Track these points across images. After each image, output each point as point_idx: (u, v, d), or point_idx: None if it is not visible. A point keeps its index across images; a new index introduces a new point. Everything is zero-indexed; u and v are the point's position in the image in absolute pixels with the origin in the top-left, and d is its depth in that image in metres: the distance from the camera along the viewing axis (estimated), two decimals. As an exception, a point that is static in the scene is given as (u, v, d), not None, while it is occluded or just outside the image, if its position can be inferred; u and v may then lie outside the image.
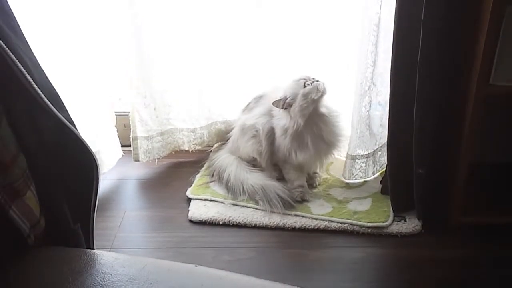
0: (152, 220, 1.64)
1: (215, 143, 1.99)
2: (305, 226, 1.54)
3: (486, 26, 1.23)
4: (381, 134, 1.67)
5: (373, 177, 1.75)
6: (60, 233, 0.86)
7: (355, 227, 1.53)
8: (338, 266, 1.41)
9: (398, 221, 1.55)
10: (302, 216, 1.58)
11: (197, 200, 1.68)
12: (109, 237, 1.53)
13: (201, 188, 1.74)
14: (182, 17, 1.71)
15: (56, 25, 1.56)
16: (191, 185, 1.76)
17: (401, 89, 1.42)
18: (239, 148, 1.77)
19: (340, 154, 1.80)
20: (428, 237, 1.50)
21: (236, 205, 1.64)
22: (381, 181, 1.69)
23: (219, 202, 1.66)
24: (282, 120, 1.62)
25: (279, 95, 1.60)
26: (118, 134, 1.87)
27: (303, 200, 1.65)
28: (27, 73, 0.71)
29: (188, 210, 1.63)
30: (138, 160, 1.87)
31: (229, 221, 1.57)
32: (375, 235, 1.51)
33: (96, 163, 0.85)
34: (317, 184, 1.75)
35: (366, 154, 1.69)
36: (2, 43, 0.68)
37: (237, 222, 1.57)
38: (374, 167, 1.73)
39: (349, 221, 1.54)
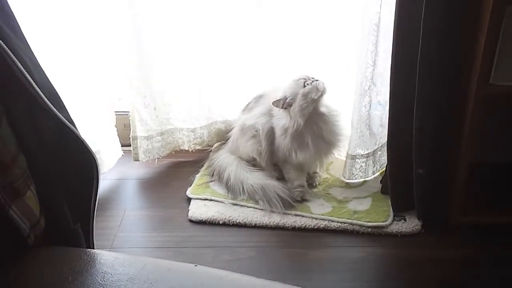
0: (152, 220, 1.64)
1: (215, 143, 1.99)
2: (305, 225, 1.54)
3: (486, 26, 1.23)
4: (381, 134, 1.67)
5: (373, 176, 1.75)
6: (60, 233, 0.86)
7: (355, 226, 1.53)
8: (338, 265, 1.41)
9: (398, 220, 1.55)
10: (302, 216, 1.58)
11: (197, 200, 1.68)
12: (109, 237, 1.53)
13: (201, 188, 1.74)
14: (182, 17, 1.71)
15: (56, 25, 1.56)
16: (191, 185, 1.77)
17: (401, 89, 1.42)
18: (239, 148, 1.77)
19: (340, 154, 1.80)
20: (428, 237, 1.50)
21: (236, 204, 1.65)
22: (381, 181, 1.69)
23: (219, 201, 1.66)
24: (282, 120, 1.62)
25: (279, 95, 1.60)
26: (118, 134, 1.87)
27: (303, 200, 1.65)
28: (27, 73, 0.72)
29: (188, 210, 1.63)
30: (138, 160, 1.87)
31: (229, 221, 1.57)
32: (375, 235, 1.51)
33: (96, 163, 0.85)
34: (317, 183, 1.75)
35: (366, 154, 1.69)
36: (2, 43, 0.68)
37: (237, 221, 1.57)
38: (374, 166, 1.73)
39: (349, 220, 1.54)
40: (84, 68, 1.66)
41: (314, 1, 1.70)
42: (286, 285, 0.73)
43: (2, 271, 0.75)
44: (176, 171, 1.92)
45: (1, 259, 0.76)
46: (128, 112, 1.84)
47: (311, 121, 1.58)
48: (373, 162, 1.72)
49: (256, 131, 1.70)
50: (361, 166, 1.70)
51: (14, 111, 0.75)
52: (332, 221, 1.55)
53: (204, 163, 1.88)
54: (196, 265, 0.79)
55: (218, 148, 1.91)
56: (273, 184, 1.66)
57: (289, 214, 1.59)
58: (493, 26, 1.23)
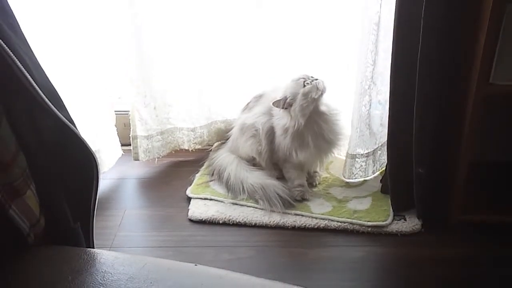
0: (152, 219, 1.64)
1: (215, 142, 1.99)
2: (305, 225, 1.55)
3: (486, 25, 1.23)
4: (381, 133, 1.67)
5: (373, 176, 1.75)
6: (60, 232, 0.86)
7: (355, 226, 1.53)
8: (338, 265, 1.41)
9: (398, 220, 1.55)
10: (302, 215, 1.58)
11: (197, 199, 1.68)
12: (109, 236, 1.53)
13: (201, 187, 1.74)
14: (182, 17, 1.71)
15: (56, 25, 1.56)
16: (191, 184, 1.77)
17: (401, 88, 1.42)
18: (239, 147, 1.77)
19: (340, 153, 1.80)
20: (428, 236, 1.50)
21: (236, 204, 1.65)
22: (381, 180, 1.69)
23: (219, 201, 1.67)
24: (282, 120, 1.62)
25: (278, 95, 1.59)
26: (118, 133, 1.87)
27: (303, 199, 1.65)
28: (27, 72, 0.72)
29: (188, 209, 1.63)
30: (138, 159, 1.87)
31: (229, 220, 1.57)
32: (375, 234, 1.51)
33: (96, 162, 0.85)
34: (317, 183, 1.75)
35: (366, 153, 1.69)
36: (2, 42, 0.68)
37: (237, 221, 1.57)
38: (374, 166, 1.73)
39: (349, 220, 1.54)
40: (84, 68, 1.66)
41: (314, 1, 1.70)
42: (286, 285, 0.73)
43: (2, 270, 0.75)
44: (176, 170, 1.92)
45: (1, 259, 0.76)
46: (128, 111, 1.84)
47: (311, 120, 1.58)
48: (373, 161, 1.72)
49: (256, 130, 1.70)
50: (361, 166, 1.70)
51: (14, 110, 0.75)
52: (332, 220, 1.55)
53: (204, 163, 1.89)
54: (196, 265, 0.79)
55: (218, 148, 1.91)
56: (273, 184, 1.66)
57: (289, 213, 1.59)
58: (493, 25, 1.23)
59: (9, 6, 0.74)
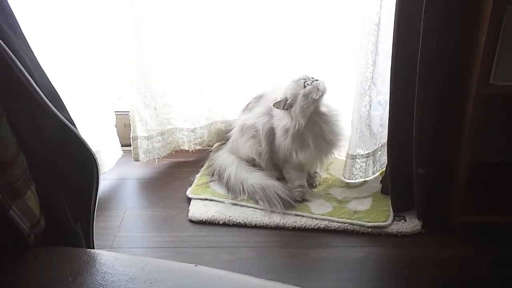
0: (152, 220, 1.64)
1: (215, 143, 1.99)
2: (305, 225, 1.54)
3: (486, 26, 1.23)
4: (381, 134, 1.67)
5: (373, 176, 1.75)
6: (60, 233, 0.86)
7: (355, 226, 1.53)
8: (338, 265, 1.41)
9: (398, 220, 1.55)
10: (302, 216, 1.58)
11: (197, 200, 1.68)
12: (109, 237, 1.53)
13: (201, 188, 1.74)
14: (182, 17, 1.71)
15: (56, 25, 1.56)
16: (191, 185, 1.77)
17: (401, 89, 1.42)
18: (239, 148, 1.77)
19: (340, 154, 1.80)
20: (428, 237, 1.50)
21: (236, 204, 1.65)
22: (381, 181, 1.69)
23: (219, 201, 1.66)
24: (282, 121, 1.62)
25: (278, 96, 1.59)
26: (118, 134, 1.87)
27: (303, 200, 1.65)
28: (27, 72, 0.72)
29: (188, 210, 1.63)
30: (138, 160, 1.87)
31: (229, 221, 1.57)
32: (375, 235, 1.51)
33: (96, 163, 0.85)
34: (317, 183, 1.75)
35: (366, 154, 1.69)
36: (2, 42, 0.68)
37: (237, 221, 1.57)
38: (374, 166, 1.73)
39: (349, 220, 1.54)
40: (84, 68, 1.66)
41: (314, 1, 1.70)
42: (286, 285, 0.73)
43: (2, 271, 0.75)
44: (176, 171, 1.92)
45: (1, 259, 0.76)
46: (128, 112, 1.84)
47: (311, 121, 1.58)
48: (373, 162, 1.72)
49: (256, 131, 1.70)
50: (361, 166, 1.70)
51: (14, 111, 0.75)
52: (332, 221, 1.55)
53: (204, 163, 1.89)
54: (196, 265, 0.79)
55: (218, 148, 1.91)
56: (273, 184, 1.66)
57: (289, 214, 1.59)
58: (493, 26, 1.23)
59: (9, 6, 0.74)
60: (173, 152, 1.95)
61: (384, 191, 1.66)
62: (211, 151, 1.95)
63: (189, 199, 1.70)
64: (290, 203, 1.62)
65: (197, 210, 1.63)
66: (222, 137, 1.96)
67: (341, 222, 1.54)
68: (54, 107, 0.77)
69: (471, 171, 1.42)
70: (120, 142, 1.88)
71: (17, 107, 0.76)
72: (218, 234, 1.54)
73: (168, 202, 1.71)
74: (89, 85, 1.69)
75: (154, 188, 1.82)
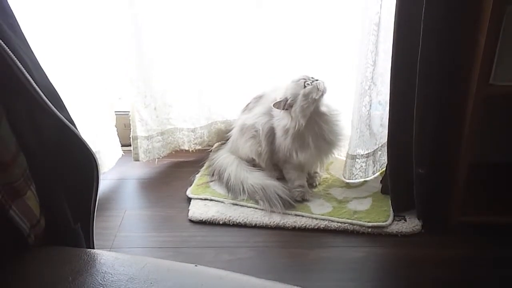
0: (152, 220, 1.64)
1: (215, 143, 1.99)
2: (305, 225, 1.54)
3: (486, 26, 1.23)
4: (381, 134, 1.67)
5: (373, 176, 1.75)
6: (61, 232, 0.86)
7: (355, 226, 1.53)
8: (338, 265, 1.41)
9: (398, 220, 1.55)
10: (302, 216, 1.58)
11: (197, 200, 1.68)
12: (109, 237, 1.53)
13: (201, 188, 1.74)
14: (182, 17, 1.71)
15: (56, 25, 1.56)
16: (191, 185, 1.77)
17: (401, 89, 1.42)
18: (239, 148, 1.77)
19: (340, 154, 1.80)
20: (428, 237, 1.50)
21: (236, 204, 1.65)
22: (381, 181, 1.69)
23: (219, 201, 1.66)
24: (283, 121, 1.62)
25: (279, 96, 1.59)
26: (118, 134, 1.87)
27: (303, 200, 1.65)
28: (27, 73, 0.72)
29: (188, 210, 1.63)
30: (138, 160, 1.87)
31: (229, 221, 1.57)
32: (375, 235, 1.51)
33: (96, 163, 0.85)
34: (317, 183, 1.75)
35: (366, 154, 1.69)
36: (2, 43, 0.68)
37: (237, 221, 1.57)
38: (374, 166, 1.73)
39: (349, 220, 1.54)
40: (84, 68, 1.66)
41: (314, 1, 1.70)
42: (286, 285, 0.73)
43: (3, 271, 0.75)
44: (176, 171, 1.92)
45: (1, 259, 0.76)
46: (128, 112, 1.84)
47: (312, 121, 1.58)
48: (373, 162, 1.72)
49: (256, 131, 1.70)
50: (361, 166, 1.70)
51: (14, 111, 0.75)
52: (332, 221, 1.55)
53: (204, 163, 1.89)
54: (196, 265, 0.79)
55: (218, 148, 1.91)
56: (273, 184, 1.66)
57: (289, 214, 1.59)
58: (493, 26, 1.23)
59: (9, 6, 0.74)
60: (173, 152, 1.95)
61: (384, 191, 1.66)
62: (211, 151, 1.95)
63: (189, 199, 1.70)
64: (290, 203, 1.62)
65: (197, 210, 1.63)
66: (222, 137, 1.96)
67: (341, 222, 1.54)
68: (54, 107, 0.77)
69: (471, 171, 1.42)
70: (120, 142, 1.88)
71: (17, 107, 0.76)
72: (218, 234, 1.54)
73: (168, 202, 1.71)
74: (89, 85, 1.69)
75: (154, 188, 1.82)
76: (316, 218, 1.56)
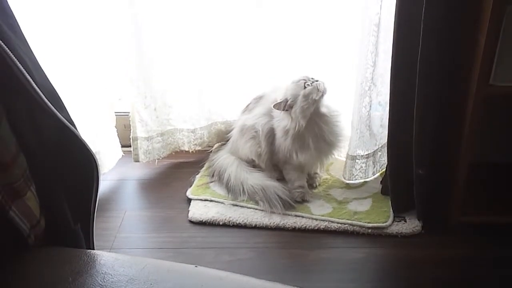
0: (152, 221, 1.64)
1: (215, 144, 1.99)
2: (305, 226, 1.54)
3: (486, 26, 1.23)
4: (381, 135, 1.67)
5: (373, 177, 1.75)
6: (60, 233, 0.86)
7: (355, 227, 1.53)
8: (338, 266, 1.41)
9: (398, 221, 1.55)
10: (302, 217, 1.58)
11: (197, 201, 1.68)
12: (109, 238, 1.53)
13: (201, 189, 1.74)
14: (182, 17, 1.71)
15: (56, 25, 1.56)
16: (191, 186, 1.76)
17: (401, 89, 1.42)
18: (239, 149, 1.77)
19: (340, 155, 1.80)
20: (428, 237, 1.50)
21: (236, 205, 1.64)
22: (381, 182, 1.69)
23: (219, 202, 1.66)
24: (283, 122, 1.62)
25: (279, 96, 1.59)
26: (118, 135, 1.87)
27: (303, 201, 1.65)
28: (27, 73, 0.71)
29: (188, 211, 1.63)
30: (138, 161, 1.87)
31: (229, 222, 1.57)
32: (375, 236, 1.51)
33: (96, 164, 0.85)
34: (317, 184, 1.75)
35: (366, 155, 1.69)
36: (2, 43, 0.68)
37: (237, 222, 1.57)
38: (374, 167, 1.73)
39: (349, 221, 1.54)
40: (84, 68, 1.66)
41: (314, 1, 1.70)
42: (286, 286, 0.73)
43: (3, 271, 0.75)
44: (176, 171, 1.92)
45: (1, 259, 0.76)
46: (128, 112, 1.84)
47: (312, 122, 1.58)
48: (373, 162, 1.72)
49: (256, 132, 1.70)
50: (361, 167, 1.70)
51: (14, 111, 0.75)
52: (332, 222, 1.55)
53: (204, 164, 1.88)
54: (196, 266, 0.79)
55: (218, 149, 1.91)
56: (273, 185, 1.66)
57: (289, 215, 1.59)
58: (493, 26, 1.23)
59: (9, 7, 0.74)
60: (173, 153, 1.95)
61: (384, 191, 1.66)
62: (211, 151, 1.95)
63: (189, 200, 1.69)
64: (290, 204, 1.62)
65: (197, 210, 1.63)
66: (222, 137, 1.96)
67: (341, 223, 1.54)
68: (54, 107, 0.77)
69: (471, 171, 1.42)
70: (120, 142, 1.88)
71: (17, 107, 0.75)
72: (218, 235, 1.54)
73: (168, 203, 1.71)
74: (89, 86, 1.69)
75: (154, 189, 1.82)
76: (316, 219, 1.56)
